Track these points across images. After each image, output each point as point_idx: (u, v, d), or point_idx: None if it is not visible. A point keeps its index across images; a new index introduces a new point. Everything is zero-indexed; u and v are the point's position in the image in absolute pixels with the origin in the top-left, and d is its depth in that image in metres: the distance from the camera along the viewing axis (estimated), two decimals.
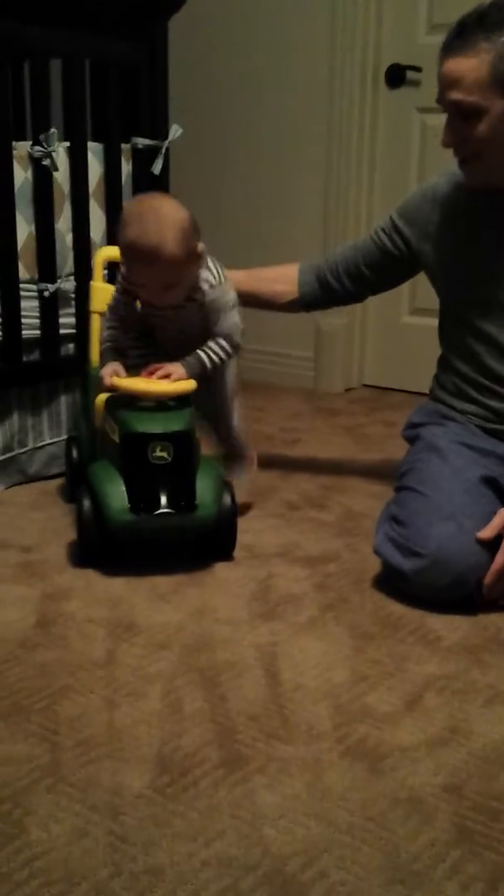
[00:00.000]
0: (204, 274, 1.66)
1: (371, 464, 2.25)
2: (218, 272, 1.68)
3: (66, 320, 2.04)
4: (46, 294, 1.96)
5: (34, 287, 1.95)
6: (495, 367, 1.67)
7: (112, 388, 1.62)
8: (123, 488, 1.56)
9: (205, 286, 1.66)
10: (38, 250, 1.94)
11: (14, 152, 1.86)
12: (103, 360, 1.70)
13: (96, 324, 1.90)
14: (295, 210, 3.05)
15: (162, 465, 1.56)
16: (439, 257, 1.76)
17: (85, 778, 1.06)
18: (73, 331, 2.05)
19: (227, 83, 3.10)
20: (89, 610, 1.47)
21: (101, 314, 1.89)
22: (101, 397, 1.69)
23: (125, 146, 2.08)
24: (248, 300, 1.90)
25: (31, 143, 1.90)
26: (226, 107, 3.12)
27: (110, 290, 1.86)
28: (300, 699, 1.23)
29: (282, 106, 3.01)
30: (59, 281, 1.97)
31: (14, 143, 1.88)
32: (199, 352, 1.67)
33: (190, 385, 1.63)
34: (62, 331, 2.03)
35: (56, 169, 1.91)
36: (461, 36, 1.47)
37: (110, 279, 1.99)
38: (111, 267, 1.97)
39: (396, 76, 2.84)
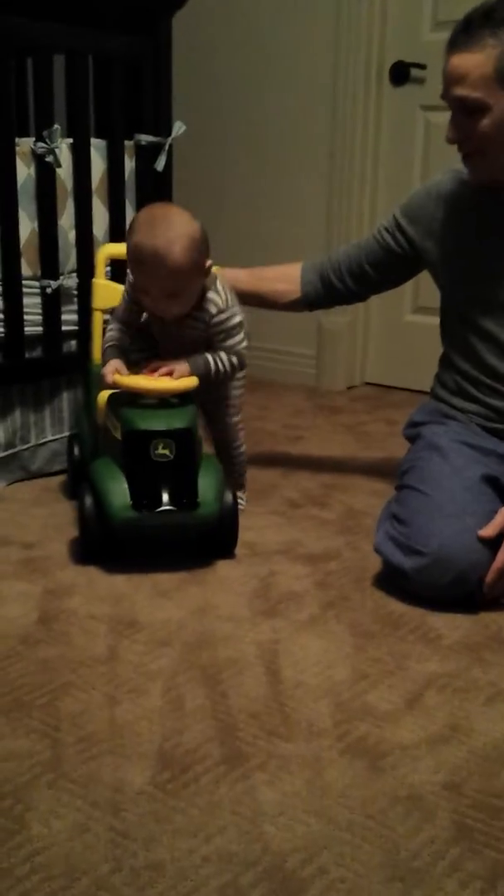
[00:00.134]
0: (211, 296, 1.65)
1: (372, 462, 2.25)
2: (226, 296, 1.67)
3: (69, 317, 2.04)
4: (49, 291, 1.96)
5: (37, 284, 1.95)
6: (496, 364, 1.67)
7: (114, 386, 1.62)
8: (125, 485, 1.56)
9: (212, 309, 1.65)
10: (40, 247, 1.94)
11: (17, 148, 1.86)
12: (105, 359, 1.70)
13: (99, 321, 1.91)
14: (298, 208, 3.05)
15: (164, 463, 1.56)
16: (442, 255, 1.76)
17: (86, 774, 1.06)
18: (76, 328, 2.05)
19: (230, 80, 3.10)
20: (91, 606, 1.47)
21: (104, 311, 1.90)
22: (104, 394, 1.69)
23: (128, 143, 2.08)
24: (251, 299, 1.90)
25: (34, 139, 1.90)
26: (229, 104, 3.12)
27: (113, 286, 1.86)
28: (301, 697, 1.23)
29: (285, 103, 3.01)
30: (61, 278, 1.97)
31: (17, 140, 1.88)
32: (206, 353, 1.67)
33: (192, 382, 1.63)
34: (64, 327, 2.03)
35: (59, 165, 1.91)
36: (467, 32, 1.47)
37: (113, 276, 1.99)
38: (114, 264, 1.97)
39: (400, 73, 2.84)
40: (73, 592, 1.52)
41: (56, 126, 1.89)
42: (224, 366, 1.68)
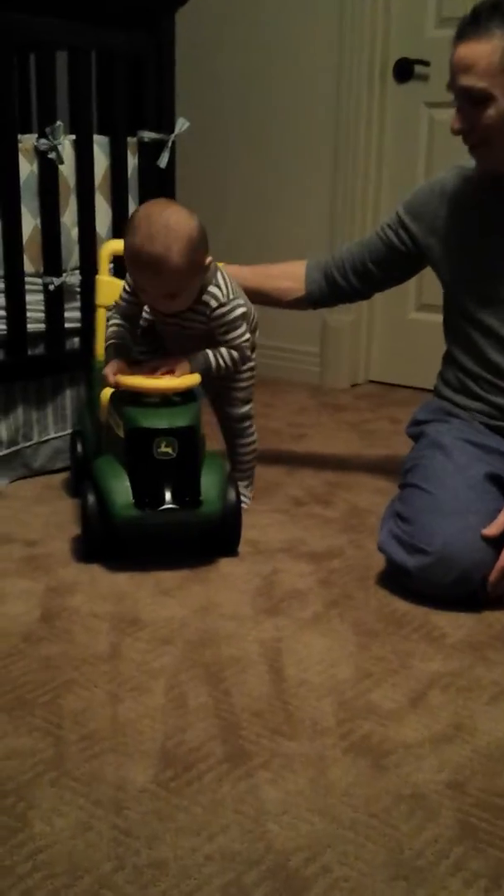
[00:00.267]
0: (212, 290, 1.65)
1: (376, 460, 2.25)
2: (227, 289, 1.67)
3: (72, 314, 2.04)
4: (51, 288, 1.95)
5: (39, 280, 1.95)
6: (499, 361, 1.66)
7: (117, 387, 1.62)
8: (128, 484, 1.56)
9: (212, 303, 1.65)
10: (43, 244, 1.94)
11: (20, 145, 1.86)
12: (106, 359, 1.70)
13: (102, 318, 1.90)
14: (301, 205, 3.04)
15: (167, 461, 1.56)
16: (446, 252, 1.75)
17: (89, 772, 1.06)
18: (79, 325, 2.05)
19: (233, 77, 3.09)
20: (93, 604, 1.47)
21: (107, 308, 1.89)
22: (106, 392, 1.69)
23: (131, 139, 2.08)
24: (254, 297, 1.89)
25: (36, 135, 1.90)
26: (232, 101, 3.11)
27: (116, 283, 1.86)
28: (304, 695, 1.23)
29: (288, 100, 3.00)
30: (64, 275, 1.97)
31: (20, 136, 1.87)
32: (207, 350, 1.67)
33: (194, 379, 1.63)
34: (67, 325, 2.03)
35: (62, 162, 1.91)
36: (475, 22, 1.49)
37: (116, 273, 1.99)
38: (117, 261, 1.96)
39: (404, 70, 2.83)
40: (76, 590, 1.51)
41: (59, 123, 1.89)
42: (225, 361, 1.68)
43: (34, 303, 1.96)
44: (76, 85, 1.97)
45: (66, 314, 2.02)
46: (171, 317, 1.68)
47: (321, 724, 1.16)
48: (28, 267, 1.92)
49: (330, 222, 2.97)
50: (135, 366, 1.66)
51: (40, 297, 1.97)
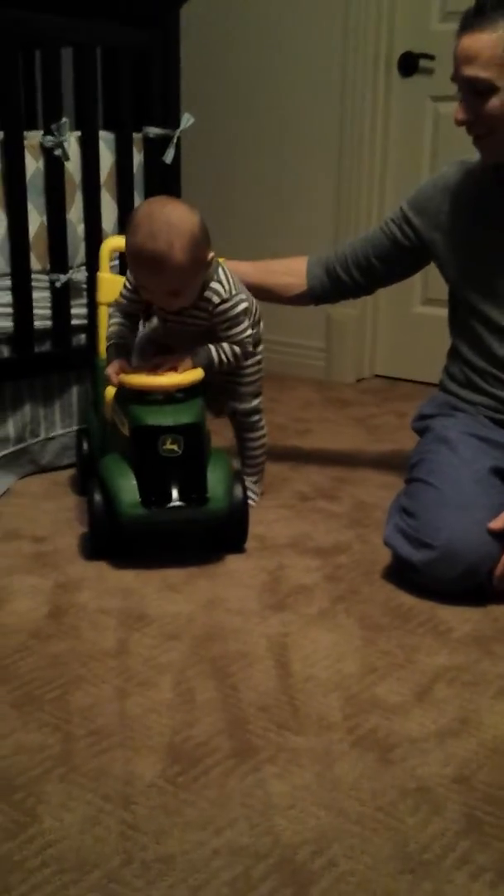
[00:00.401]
0: (214, 286, 1.65)
1: (382, 454, 2.25)
2: (229, 285, 1.67)
3: (78, 311, 2.04)
4: (58, 284, 1.96)
5: (46, 277, 1.96)
6: (503, 354, 1.66)
7: (120, 385, 1.62)
8: (134, 482, 1.56)
9: (214, 298, 1.65)
10: (49, 241, 1.94)
11: (25, 142, 1.86)
12: (108, 359, 1.70)
13: (104, 315, 1.90)
14: (306, 200, 3.04)
15: (172, 458, 1.56)
16: (449, 246, 1.75)
17: (97, 767, 1.07)
18: (85, 321, 2.05)
19: (238, 72, 3.09)
20: (101, 600, 1.47)
21: (109, 305, 1.90)
22: (111, 390, 1.69)
23: (137, 135, 2.08)
24: (257, 293, 1.89)
25: (42, 132, 1.90)
26: (237, 96, 3.11)
27: (118, 280, 1.86)
28: (311, 690, 1.23)
29: (293, 95, 2.99)
30: (70, 271, 1.98)
31: (25, 133, 1.88)
32: (209, 345, 1.67)
33: (198, 375, 1.63)
34: (74, 321, 2.03)
35: (67, 158, 1.91)
36: (479, 13, 1.49)
37: (120, 269, 1.99)
38: (121, 257, 1.96)
39: (409, 64, 2.82)
40: (83, 587, 1.52)
41: (64, 119, 1.89)
42: (227, 356, 1.68)
43: (41, 300, 1.96)
44: (81, 81, 1.97)
45: (73, 311, 2.02)
46: (174, 314, 1.68)
47: (327, 718, 1.17)
48: (34, 264, 1.92)
49: (335, 216, 2.97)
50: (159, 355, 1.66)
51: (47, 293, 1.97)
